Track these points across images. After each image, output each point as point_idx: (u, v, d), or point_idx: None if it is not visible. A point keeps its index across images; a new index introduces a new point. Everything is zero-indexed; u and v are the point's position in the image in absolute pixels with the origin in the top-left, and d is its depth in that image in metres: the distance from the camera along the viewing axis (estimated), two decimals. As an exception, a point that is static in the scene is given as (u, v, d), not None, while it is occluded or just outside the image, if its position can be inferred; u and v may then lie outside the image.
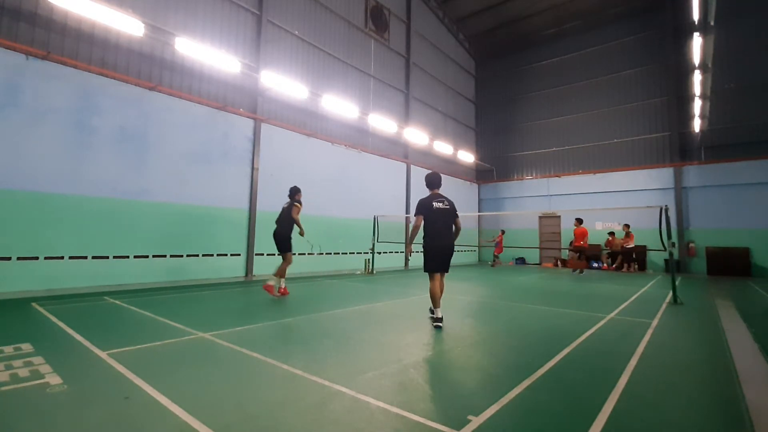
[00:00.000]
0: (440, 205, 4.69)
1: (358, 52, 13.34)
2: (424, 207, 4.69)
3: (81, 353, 3.27)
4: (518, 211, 17.84)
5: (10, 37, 6.46)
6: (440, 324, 4.47)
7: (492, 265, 15.82)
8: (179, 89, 8.58)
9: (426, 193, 4.94)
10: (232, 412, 2.24)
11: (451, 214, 4.73)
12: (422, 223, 4.72)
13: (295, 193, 6.76)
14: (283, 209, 6.70)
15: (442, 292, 4.70)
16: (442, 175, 5.03)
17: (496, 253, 16.21)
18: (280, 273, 6.49)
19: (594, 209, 14.36)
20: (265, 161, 10.07)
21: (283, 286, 6.57)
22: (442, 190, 4.92)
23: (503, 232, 16.65)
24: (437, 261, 4.67)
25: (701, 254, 13.54)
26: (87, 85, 7.20)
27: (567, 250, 15.84)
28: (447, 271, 4.78)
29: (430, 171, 5.11)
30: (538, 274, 12.16)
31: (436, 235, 4.66)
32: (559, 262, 16.19)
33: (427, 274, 4.74)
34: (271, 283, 6.27)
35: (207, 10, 9.24)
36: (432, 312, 4.76)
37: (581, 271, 12.52)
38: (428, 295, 4.79)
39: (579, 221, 13.10)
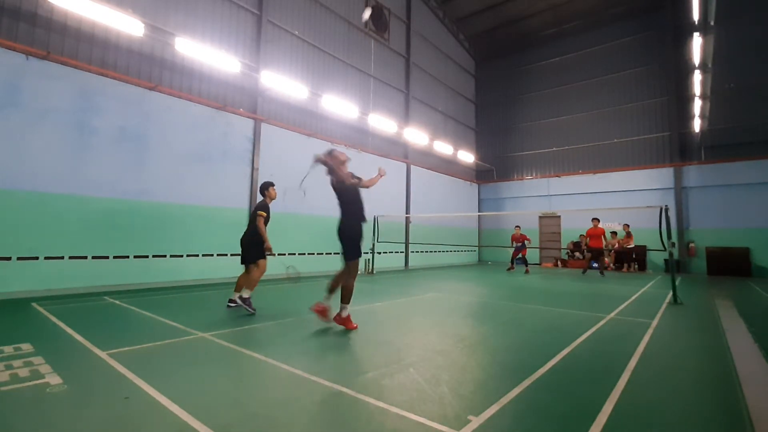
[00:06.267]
0: None
1: (358, 52, 13.34)
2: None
3: (81, 353, 3.27)
4: (518, 211, 17.82)
5: (10, 37, 6.46)
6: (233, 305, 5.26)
7: (523, 270, 12.98)
8: (179, 89, 8.58)
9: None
10: (232, 412, 2.24)
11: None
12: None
13: None
14: None
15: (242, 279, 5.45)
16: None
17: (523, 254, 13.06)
18: None
19: (594, 209, 14.34)
20: (265, 161, 10.06)
21: None
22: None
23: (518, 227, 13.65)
24: None
25: (701, 254, 13.54)
26: (87, 85, 7.20)
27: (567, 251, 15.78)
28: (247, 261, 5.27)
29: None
30: (538, 274, 12.15)
31: None
32: (559, 262, 16.18)
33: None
34: None
35: (207, 10, 9.24)
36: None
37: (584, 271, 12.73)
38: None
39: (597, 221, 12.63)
